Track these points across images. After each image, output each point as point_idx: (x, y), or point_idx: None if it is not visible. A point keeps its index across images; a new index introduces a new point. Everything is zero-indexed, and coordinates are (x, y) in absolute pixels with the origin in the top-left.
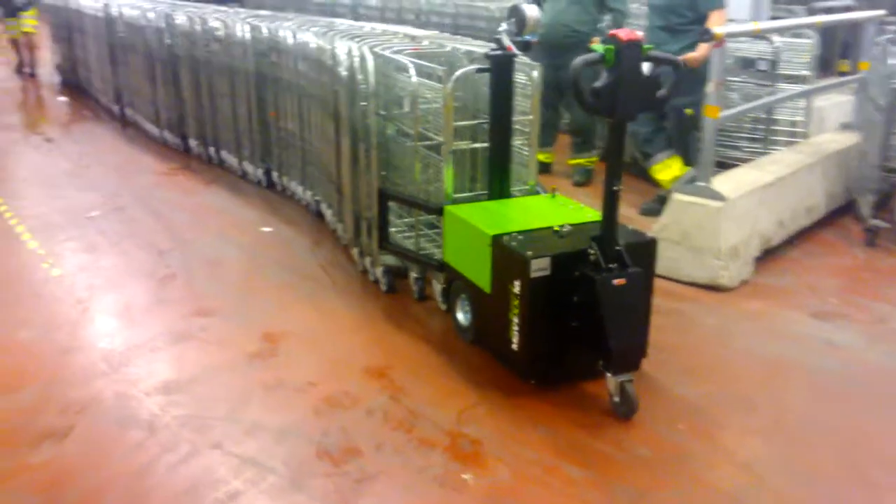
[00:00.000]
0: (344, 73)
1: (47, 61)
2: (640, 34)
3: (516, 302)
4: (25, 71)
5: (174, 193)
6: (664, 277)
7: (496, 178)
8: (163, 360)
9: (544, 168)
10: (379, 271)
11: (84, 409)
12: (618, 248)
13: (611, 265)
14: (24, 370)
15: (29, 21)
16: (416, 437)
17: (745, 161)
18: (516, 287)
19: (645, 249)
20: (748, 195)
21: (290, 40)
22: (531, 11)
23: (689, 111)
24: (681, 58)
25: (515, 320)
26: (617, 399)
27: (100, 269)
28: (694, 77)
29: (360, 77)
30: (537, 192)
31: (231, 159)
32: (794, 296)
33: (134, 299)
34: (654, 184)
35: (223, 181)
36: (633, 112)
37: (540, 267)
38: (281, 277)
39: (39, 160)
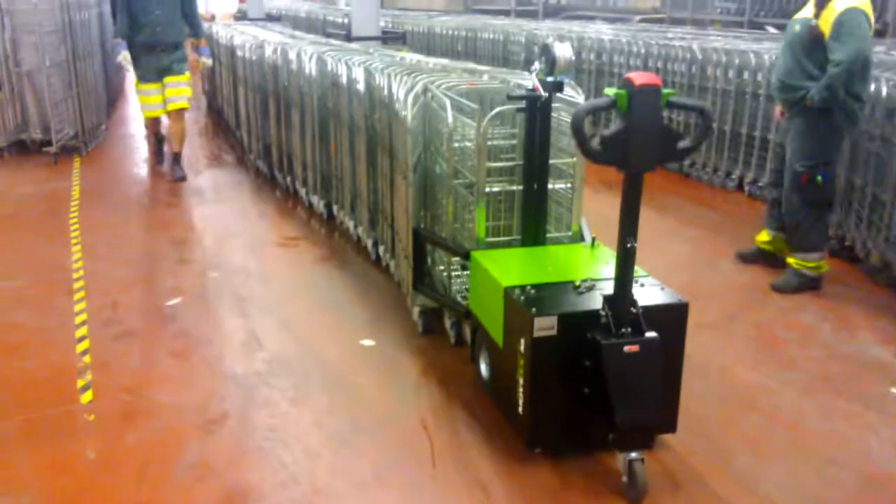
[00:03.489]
0: (398, 109)
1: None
2: (657, 78)
3: (521, 362)
4: (170, 171)
5: (279, 273)
6: None
7: (530, 223)
8: None
9: (770, 258)
10: (415, 312)
11: None
12: (634, 310)
13: (623, 329)
14: None
15: (179, 91)
16: None
17: None
18: (522, 346)
19: (673, 314)
20: None
21: (344, 76)
22: (562, 51)
23: None
24: None
25: (521, 381)
26: (625, 479)
27: (139, 400)
28: None
29: (403, 113)
30: (581, 240)
31: (301, 190)
32: None
33: (150, 471)
34: None
35: (339, 258)
36: (648, 163)
37: (544, 326)
38: (364, 438)
39: (160, 220)
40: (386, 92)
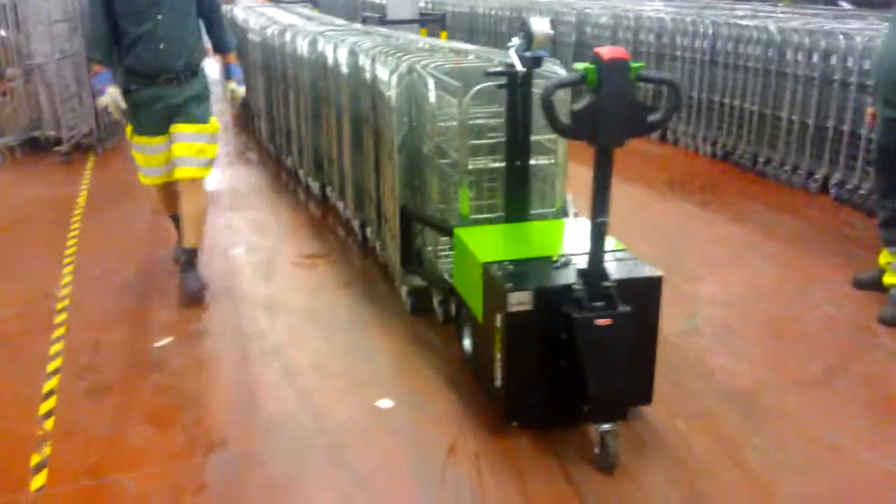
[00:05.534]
0: (383, 89)
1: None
2: (626, 52)
3: (498, 336)
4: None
5: (293, 302)
6: None
7: (512, 199)
8: None
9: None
10: (404, 291)
11: None
12: (607, 284)
13: (596, 303)
14: None
15: (196, 148)
16: None
17: None
18: (498, 321)
19: (648, 287)
20: None
21: (331, 57)
22: (539, 26)
23: None
24: None
25: (498, 355)
26: (597, 450)
27: (98, 488)
28: None
29: (388, 93)
30: (565, 216)
31: (300, 172)
32: None
33: None
34: None
35: (364, 281)
36: (618, 137)
37: (519, 301)
38: None
39: (167, 233)
40: (369, 73)
